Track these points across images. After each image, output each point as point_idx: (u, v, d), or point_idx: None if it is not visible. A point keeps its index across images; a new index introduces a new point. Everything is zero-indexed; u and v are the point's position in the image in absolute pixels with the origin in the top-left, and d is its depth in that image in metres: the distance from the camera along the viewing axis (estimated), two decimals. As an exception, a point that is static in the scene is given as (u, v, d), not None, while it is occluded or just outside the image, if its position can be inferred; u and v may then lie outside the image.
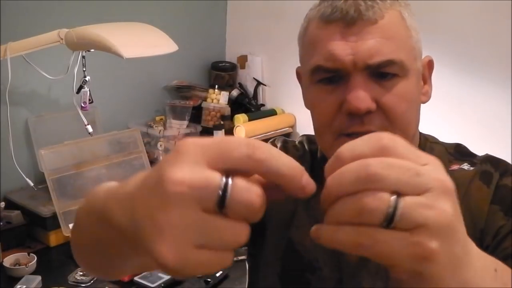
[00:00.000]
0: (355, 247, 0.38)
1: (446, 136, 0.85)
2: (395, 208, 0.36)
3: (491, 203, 0.71)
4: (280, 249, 0.81)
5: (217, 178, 0.36)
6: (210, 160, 0.36)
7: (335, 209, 0.38)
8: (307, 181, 0.38)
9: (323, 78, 0.70)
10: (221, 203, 0.36)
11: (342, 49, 0.67)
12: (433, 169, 0.38)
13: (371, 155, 0.38)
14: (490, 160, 0.76)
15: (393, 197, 0.37)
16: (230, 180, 0.36)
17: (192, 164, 0.36)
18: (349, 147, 0.39)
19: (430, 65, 0.78)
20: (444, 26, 1.84)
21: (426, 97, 0.77)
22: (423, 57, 0.75)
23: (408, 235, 0.37)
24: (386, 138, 0.39)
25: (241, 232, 0.37)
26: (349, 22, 0.68)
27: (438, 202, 0.37)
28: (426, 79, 0.77)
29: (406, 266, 0.38)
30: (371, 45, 0.67)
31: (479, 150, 0.79)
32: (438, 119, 1.74)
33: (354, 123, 0.68)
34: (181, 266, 0.36)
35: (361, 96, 0.66)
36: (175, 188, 0.35)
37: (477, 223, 0.69)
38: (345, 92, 0.68)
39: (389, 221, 0.36)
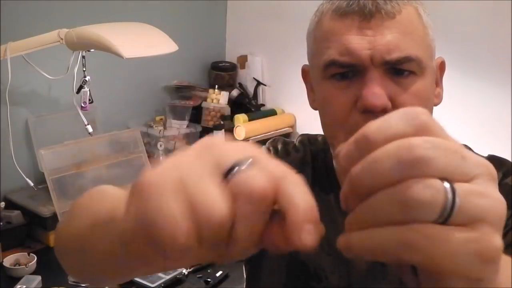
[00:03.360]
0: (403, 250, 0.30)
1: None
2: (453, 198, 0.30)
3: None
4: (285, 257, 0.78)
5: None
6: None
7: (371, 206, 0.31)
8: (310, 229, 0.31)
9: (336, 74, 0.67)
10: (230, 171, 0.32)
11: (359, 43, 0.64)
12: (472, 153, 0.32)
13: (410, 134, 0.31)
14: (493, 160, 0.75)
15: (447, 185, 0.30)
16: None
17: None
18: (379, 125, 0.32)
19: (442, 66, 0.76)
20: (444, 27, 1.84)
21: (438, 99, 0.74)
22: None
23: (471, 231, 0.30)
24: (424, 113, 0.32)
25: (215, 204, 0.31)
26: (366, 15, 0.65)
27: (489, 190, 0.31)
28: (438, 81, 0.74)
29: (467, 271, 0.31)
30: (390, 40, 0.64)
31: (478, 151, 0.79)
32: (438, 119, 1.74)
33: (369, 121, 0.65)
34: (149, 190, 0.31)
35: (378, 92, 0.63)
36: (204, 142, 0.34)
37: None
38: (360, 88, 0.65)
39: (447, 215, 0.30)
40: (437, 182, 0.30)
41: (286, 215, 0.31)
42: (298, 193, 0.32)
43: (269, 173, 0.32)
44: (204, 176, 0.32)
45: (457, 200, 0.30)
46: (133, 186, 0.33)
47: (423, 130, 0.31)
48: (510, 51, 1.72)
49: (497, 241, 0.31)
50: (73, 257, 0.52)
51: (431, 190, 0.29)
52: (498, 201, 0.32)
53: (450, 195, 0.30)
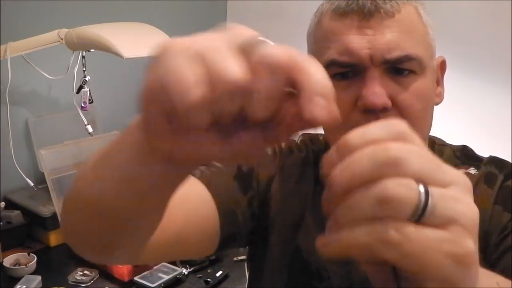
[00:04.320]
0: (378, 247, 0.31)
1: (446, 137, 0.85)
2: (427, 198, 0.31)
3: (494, 203, 0.70)
4: (287, 257, 0.78)
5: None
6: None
7: (348, 205, 0.32)
8: (321, 102, 0.32)
9: (336, 74, 0.66)
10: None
11: (359, 42, 0.64)
12: (449, 166, 0.34)
13: (387, 140, 0.33)
14: (494, 161, 0.75)
15: (421, 186, 0.31)
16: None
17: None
18: (359, 133, 0.33)
19: (443, 66, 0.76)
20: (444, 27, 1.84)
21: (439, 98, 0.74)
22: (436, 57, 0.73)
23: (444, 232, 0.31)
24: (403, 125, 0.34)
25: (232, 68, 0.31)
26: (366, 14, 0.65)
27: (463, 196, 0.33)
28: (439, 80, 0.74)
29: (440, 271, 0.31)
30: (389, 39, 0.64)
31: (478, 151, 0.79)
32: (437, 119, 1.74)
33: (369, 121, 0.64)
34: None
35: (378, 91, 0.63)
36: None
37: (481, 225, 0.68)
38: (361, 87, 0.65)
39: (420, 213, 0.31)
40: (411, 181, 0.31)
41: (301, 89, 0.32)
42: (316, 69, 0.32)
43: (289, 50, 0.33)
44: (223, 47, 0.32)
45: (430, 200, 0.31)
46: (151, 57, 0.33)
47: (400, 138, 0.33)
48: (510, 51, 1.72)
49: (470, 244, 0.32)
50: (87, 213, 0.50)
51: (404, 187, 0.31)
52: (471, 206, 0.33)
53: (423, 195, 0.31)
